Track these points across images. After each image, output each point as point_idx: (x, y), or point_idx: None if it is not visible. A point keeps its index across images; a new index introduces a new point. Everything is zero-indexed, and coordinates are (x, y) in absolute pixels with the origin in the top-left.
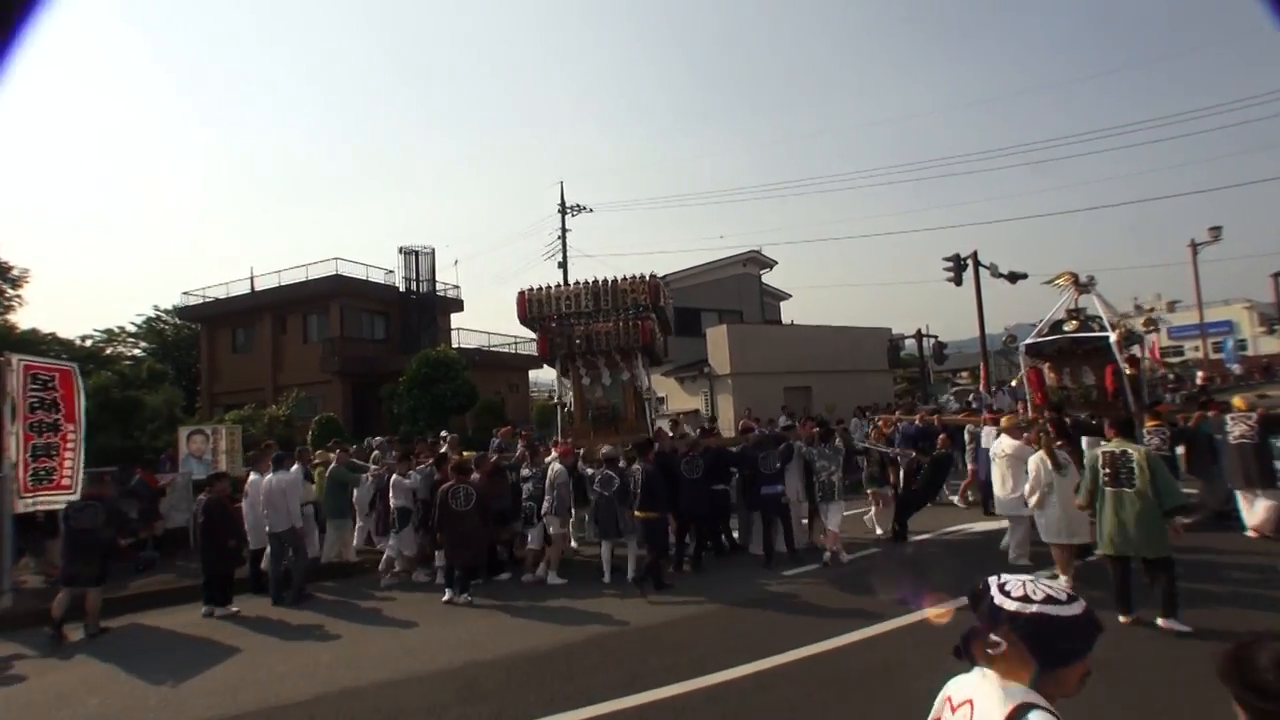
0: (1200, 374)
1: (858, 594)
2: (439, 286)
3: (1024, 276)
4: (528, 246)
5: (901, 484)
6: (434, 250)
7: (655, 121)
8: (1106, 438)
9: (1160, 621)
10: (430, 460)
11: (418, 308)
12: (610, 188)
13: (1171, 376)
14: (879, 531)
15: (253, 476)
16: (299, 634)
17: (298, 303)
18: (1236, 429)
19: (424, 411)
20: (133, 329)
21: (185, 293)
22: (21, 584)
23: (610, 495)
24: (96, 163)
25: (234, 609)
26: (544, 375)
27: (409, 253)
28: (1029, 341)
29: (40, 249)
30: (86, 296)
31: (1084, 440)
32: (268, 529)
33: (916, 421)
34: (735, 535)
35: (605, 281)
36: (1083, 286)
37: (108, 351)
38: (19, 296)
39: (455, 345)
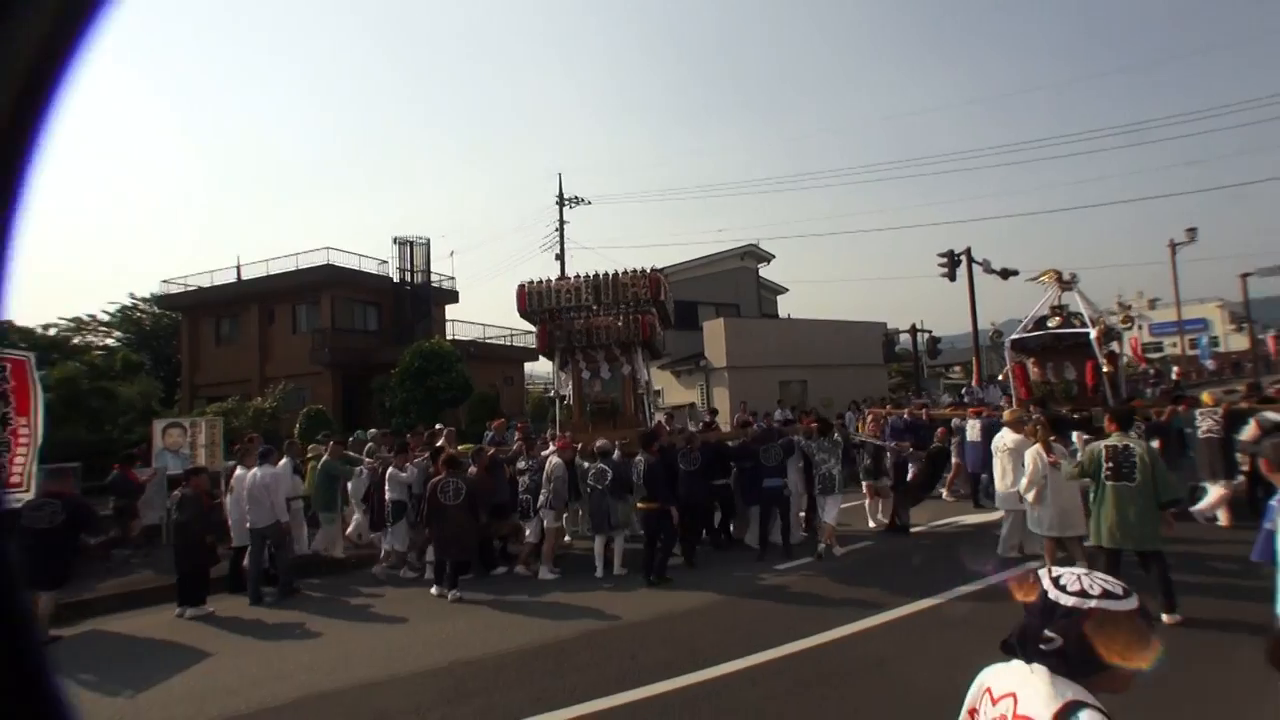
0: (1176, 369)
1: (851, 587)
2: (434, 277)
3: (1015, 273)
4: (524, 238)
5: (891, 477)
6: (429, 241)
7: (654, 117)
8: (1106, 431)
9: (1165, 618)
10: (426, 454)
11: (412, 299)
12: (609, 181)
13: (1152, 372)
14: (872, 524)
15: (238, 471)
16: (278, 634)
17: (287, 292)
18: (1204, 423)
19: (417, 404)
20: (105, 318)
21: (165, 281)
22: None
23: (603, 489)
24: (79, 152)
25: (209, 609)
26: (540, 368)
27: (404, 243)
28: (1014, 337)
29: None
30: (60, 289)
31: (1074, 435)
32: (248, 525)
33: (905, 415)
34: (731, 529)
35: (606, 275)
36: (1065, 283)
37: (75, 341)
38: None
39: (450, 337)
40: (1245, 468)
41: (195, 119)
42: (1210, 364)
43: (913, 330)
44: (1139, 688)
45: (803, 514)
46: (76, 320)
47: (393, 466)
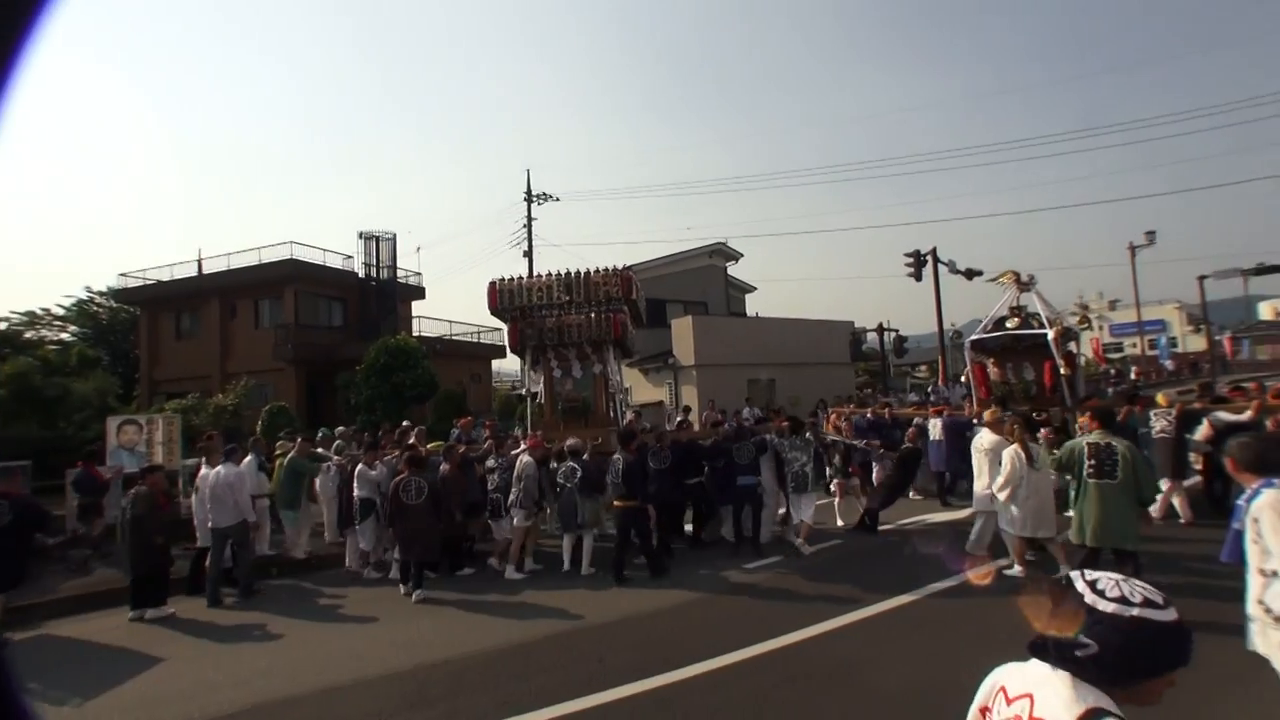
0: (1135, 369)
1: (820, 587)
2: (400, 273)
3: (980, 273)
4: (492, 235)
5: (859, 476)
6: (395, 236)
7: (625, 113)
8: (1088, 429)
9: None
10: (397, 452)
11: (377, 294)
12: (577, 177)
13: (1113, 372)
14: (840, 523)
15: (203, 470)
16: (237, 637)
17: (249, 287)
18: (1158, 423)
19: (382, 401)
20: (60, 312)
21: (123, 274)
22: None
23: (571, 487)
24: (30, 141)
25: (169, 610)
26: (508, 366)
27: (369, 238)
28: (974, 338)
29: None
30: (14, 282)
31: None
32: (210, 524)
33: (868, 415)
34: (702, 530)
35: (578, 273)
36: (1024, 285)
37: (28, 335)
38: None
39: (416, 333)
40: (1199, 467)
41: (158, 108)
42: (1169, 364)
43: (879, 329)
44: None
45: (782, 511)
46: (30, 314)
47: (362, 464)
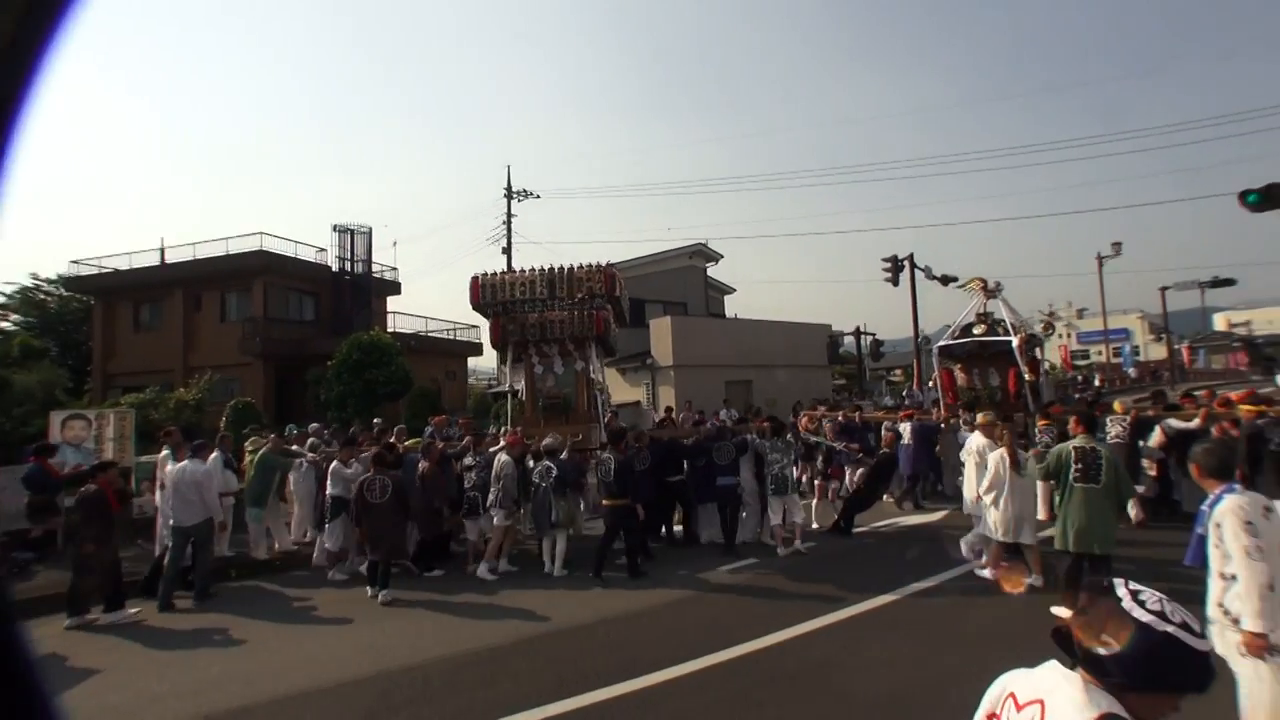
0: (1099, 376)
1: (794, 590)
2: (375, 268)
3: (955, 279)
4: (471, 230)
5: (838, 477)
6: (371, 230)
7: (607, 113)
8: (1073, 433)
9: None
10: (374, 449)
11: (351, 289)
12: (558, 175)
13: (1080, 378)
14: (815, 525)
15: (170, 465)
16: (188, 643)
17: (216, 278)
18: (1113, 429)
19: (354, 398)
20: (2, 299)
21: (75, 261)
22: None
23: (546, 486)
24: None
25: (133, 612)
26: (484, 363)
27: (344, 231)
28: (941, 344)
29: None
30: None
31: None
32: (171, 522)
33: (839, 418)
34: (677, 529)
35: (561, 269)
36: (990, 292)
37: None
38: None
39: (391, 329)
40: (1152, 472)
41: (129, 94)
42: (1132, 372)
43: (856, 333)
44: None
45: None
46: None
47: (337, 461)
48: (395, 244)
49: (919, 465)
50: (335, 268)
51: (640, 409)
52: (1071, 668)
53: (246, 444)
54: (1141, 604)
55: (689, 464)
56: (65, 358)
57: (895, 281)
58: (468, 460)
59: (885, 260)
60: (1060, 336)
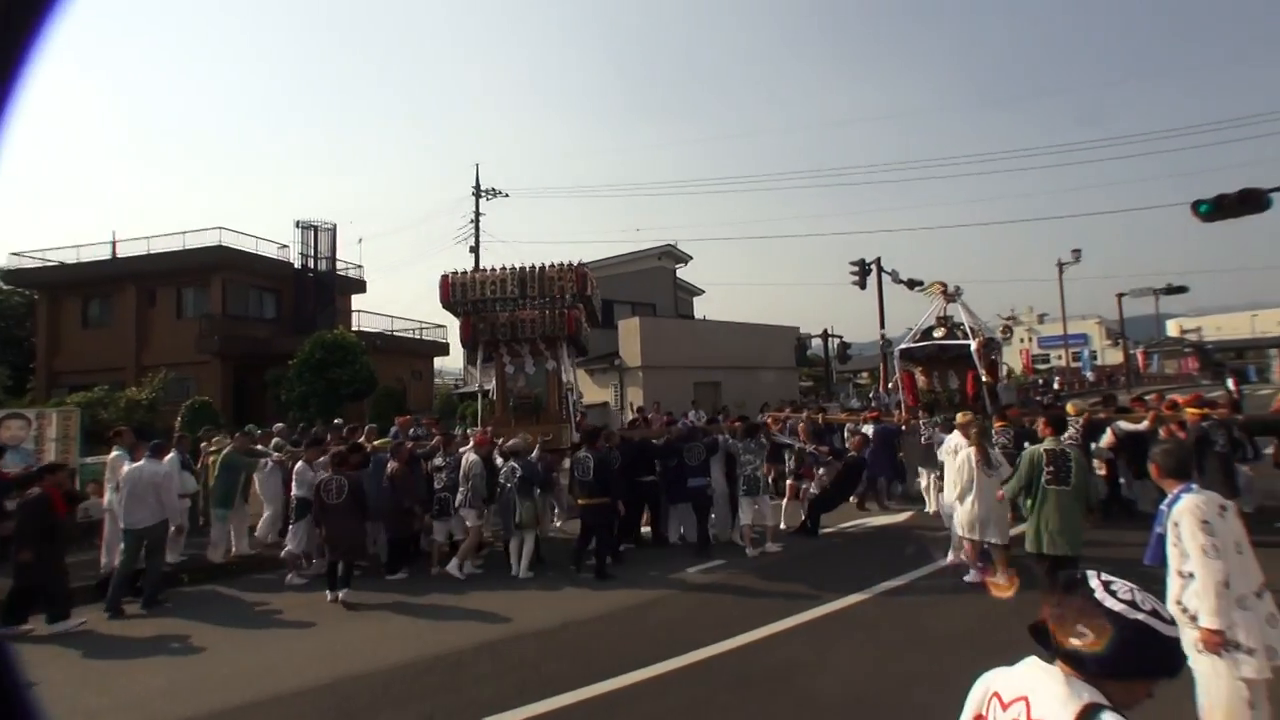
0: (1058, 380)
1: (761, 590)
2: (340, 265)
3: (920, 283)
4: (438, 229)
5: (809, 478)
6: (335, 226)
7: (578, 113)
8: (1041, 435)
9: None
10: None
11: (315, 286)
12: (527, 175)
13: (1041, 382)
14: (783, 526)
15: (127, 466)
16: (135, 652)
17: (171, 274)
18: (1065, 431)
19: (316, 398)
20: None
21: (15, 254)
22: None
23: (511, 487)
24: None
25: (80, 622)
26: (451, 363)
27: (307, 227)
28: (902, 347)
29: None
30: None
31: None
32: (122, 525)
33: (810, 418)
34: (648, 530)
35: (532, 268)
36: (950, 296)
37: None
38: None
39: (355, 328)
40: (1102, 471)
41: (87, 77)
42: (1090, 375)
43: (824, 335)
44: None
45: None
46: None
47: (302, 462)
48: (360, 241)
49: (879, 467)
50: (298, 264)
51: (608, 410)
52: (1050, 661)
53: (210, 444)
54: (1113, 594)
55: (660, 464)
56: (4, 354)
57: (863, 285)
58: (438, 460)
59: (853, 263)
60: (1022, 341)
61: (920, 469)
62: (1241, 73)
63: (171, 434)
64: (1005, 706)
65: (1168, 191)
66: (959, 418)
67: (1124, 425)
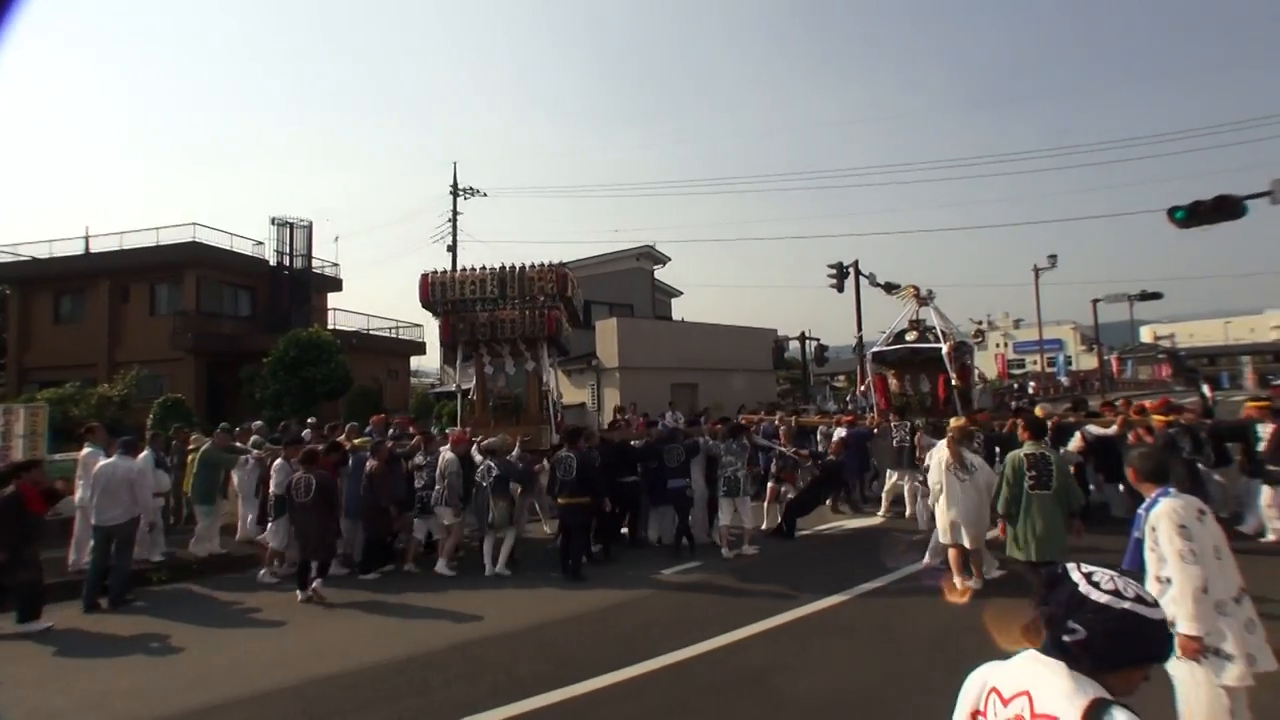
0: (1033, 384)
1: (736, 592)
2: (316, 263)
3: (898, 287)
4: (414, 228)
5: (790, 481)
6: (311, 224)
7: (558, 113)
8: (1020, 440)
9: None
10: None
11: (290, 284)
12: (505, 174)
13: (1016, 386)
14: (764, 527)
15: (101, 462)
16: (103, 651)
17: (145, 270)
18: (1044, 435)
19: (291, 396)
20: None
21: None
22: None
23: (486, 486)
24: None
25: (47, 624)
26: (427, 363)
27: (282, 224)
28: (875, 350)
29: None
30: None
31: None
32: (93, 521)
33: (775, 422)
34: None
35: (513, 268)
36: (923, 299)
37: None
38: None
39: (331, 326)
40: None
41: (65, 75)
42: (1065, 380)
43: (801, 338)
44: None
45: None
46: None
47: (280, 459)
48: (336, 239)
49: (851, 470)
50: (273, 262)
51: (585, 410)
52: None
53: (190, 441)
54: (1096, 585)
55: (641, 466)
56: None
57: (840, 288)
58: (418, 459)
59: (831, 267)
60: (998, 346)
61: (890, 471)
62: (1241, 74)
63: (143, 431)
64: (1006, 702)
65: (1166, 197)
66: (952, 423)
67: (1093, 429)
